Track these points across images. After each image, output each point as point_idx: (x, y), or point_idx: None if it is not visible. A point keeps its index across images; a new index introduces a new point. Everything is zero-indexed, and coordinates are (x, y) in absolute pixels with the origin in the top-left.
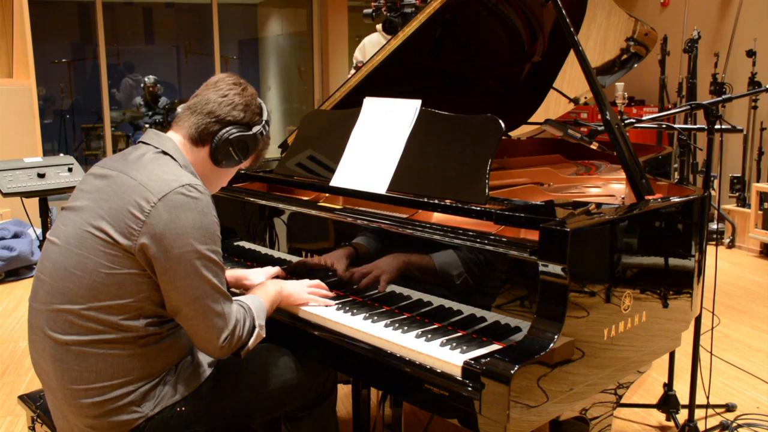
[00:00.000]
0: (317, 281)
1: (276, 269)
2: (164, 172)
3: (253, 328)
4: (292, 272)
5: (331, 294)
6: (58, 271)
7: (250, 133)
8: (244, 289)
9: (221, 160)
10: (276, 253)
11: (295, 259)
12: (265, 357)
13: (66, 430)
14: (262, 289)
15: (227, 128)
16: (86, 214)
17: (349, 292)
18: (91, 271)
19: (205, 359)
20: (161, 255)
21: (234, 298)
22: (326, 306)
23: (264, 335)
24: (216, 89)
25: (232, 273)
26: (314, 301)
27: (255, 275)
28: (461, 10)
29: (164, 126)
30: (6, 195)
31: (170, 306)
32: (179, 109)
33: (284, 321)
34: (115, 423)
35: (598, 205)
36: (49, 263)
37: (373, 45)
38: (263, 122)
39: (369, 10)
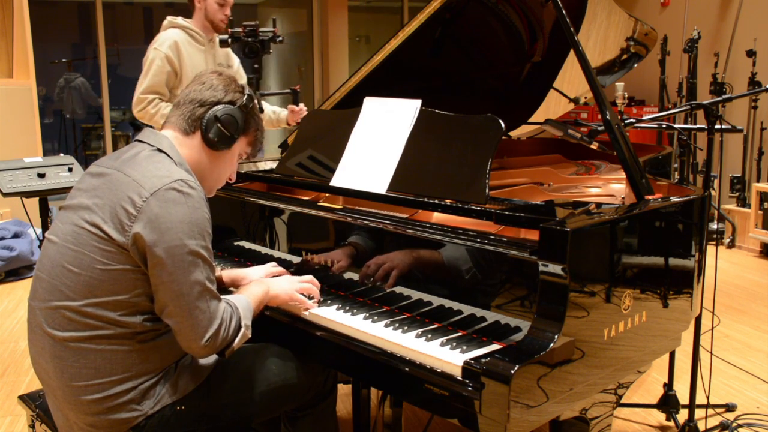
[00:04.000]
0: (309, 276)
1: (279, 268)
2: (157, 169)
3: (239, 328)
4: (294, 273)
5: (318, 297)
6: (55, 268)
7: (235, 107)
8: None
9: (214, 141)
10: (276, 253)
11: (296, 259)
12: (265, 356)
13: (66, 429)
14: (248, 289)
15: (212, 108)
16: (82, 211)
17: (350, 292)
18: (87, 267)
19: (204, 358)
20: (152, 246)
21: (222, 296)
22: (313, 305)
23: (250, 335)
24: (197, 82)
25: (230, 273)
26: (299, 301)
27: (254, 274)
28: (461, 9)
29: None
30: (6, 195)
31: (158, 302)
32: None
33: (284, 321)
34: (114, 420)
35: (598, 205)
36: (48, 261)
37: (187, 44)
38: (246, 96)
39: (225, 37)
